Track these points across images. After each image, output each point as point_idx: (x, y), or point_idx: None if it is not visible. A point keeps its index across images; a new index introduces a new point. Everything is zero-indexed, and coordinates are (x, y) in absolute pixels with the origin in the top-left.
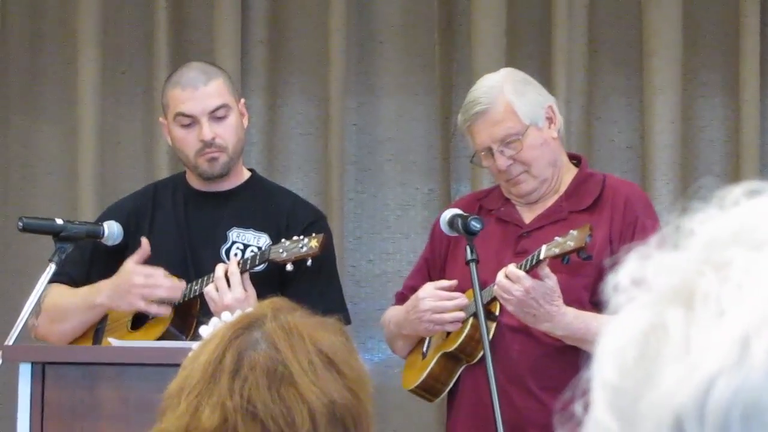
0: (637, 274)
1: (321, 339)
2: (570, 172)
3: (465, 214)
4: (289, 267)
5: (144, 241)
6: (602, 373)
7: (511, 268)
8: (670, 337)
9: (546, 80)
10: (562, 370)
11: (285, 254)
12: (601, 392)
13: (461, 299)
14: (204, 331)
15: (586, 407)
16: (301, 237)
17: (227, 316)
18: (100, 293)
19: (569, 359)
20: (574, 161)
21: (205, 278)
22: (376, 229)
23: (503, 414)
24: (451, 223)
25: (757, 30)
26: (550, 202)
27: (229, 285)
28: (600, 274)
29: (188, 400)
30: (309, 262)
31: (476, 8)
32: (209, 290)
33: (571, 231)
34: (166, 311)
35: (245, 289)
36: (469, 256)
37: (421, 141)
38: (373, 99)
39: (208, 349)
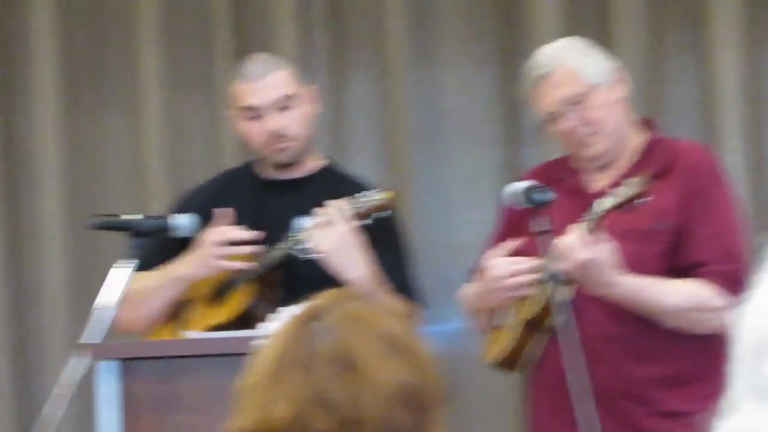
0: None
1: (385, 324)
2: (639, 138)
3: (534, 185)
4: (369, 221)
5: (224, 211)
6: None
7: (579, 232)
8: None
9: (606, 43)
10: (646, 337)
11: (363, 208)
12: None
13: (533, 261)
14: (269, 325)
15: None
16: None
17: (292, 310)
18: (182, 265)
19: (651, 326)
20: (645, 126)
21: (286, 241)
22: (448, 201)
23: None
24: (521, 195)
25: None
26: (620, 169)
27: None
28: (674, 240)
29: (257, 395)
30: (388, 213)
31: None
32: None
33: (630, 178)
34: (250, 267)
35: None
36: (540, 228)
37: (487, 111)
38: (434, 71)
39: (275, 342)
